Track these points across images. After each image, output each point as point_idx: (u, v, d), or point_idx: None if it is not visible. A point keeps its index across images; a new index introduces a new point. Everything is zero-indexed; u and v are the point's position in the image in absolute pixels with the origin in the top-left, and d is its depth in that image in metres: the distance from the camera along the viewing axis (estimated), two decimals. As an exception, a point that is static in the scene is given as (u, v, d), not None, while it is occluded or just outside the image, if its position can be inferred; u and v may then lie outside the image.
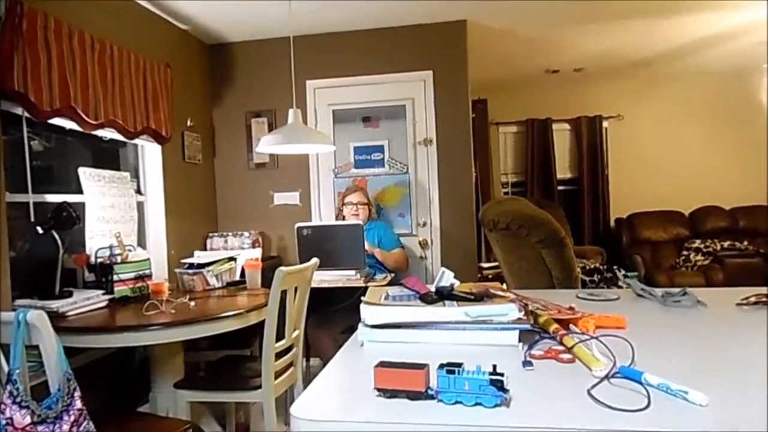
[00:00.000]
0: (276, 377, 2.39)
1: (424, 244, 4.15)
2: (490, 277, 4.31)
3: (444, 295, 1.10)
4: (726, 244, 5.54)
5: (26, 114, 2.42)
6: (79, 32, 2.63)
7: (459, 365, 0.76)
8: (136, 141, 3.35)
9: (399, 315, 1.04)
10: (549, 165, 6.29)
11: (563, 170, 6.40)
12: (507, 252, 3.24)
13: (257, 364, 2.65)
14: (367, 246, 3.41)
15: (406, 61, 4.08)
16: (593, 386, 0.80)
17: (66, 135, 2.96)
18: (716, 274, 5.14)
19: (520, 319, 1.03)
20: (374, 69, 4.10)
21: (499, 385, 0.74)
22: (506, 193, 6.48)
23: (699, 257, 5.51)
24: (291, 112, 3.06)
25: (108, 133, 3.07)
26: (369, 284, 3.15)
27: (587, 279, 3.76)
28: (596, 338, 0.95)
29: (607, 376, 0.83)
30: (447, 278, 1.15)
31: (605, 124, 6.30)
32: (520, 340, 1.02)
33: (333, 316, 3.37)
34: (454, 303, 1.08)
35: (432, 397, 0.76)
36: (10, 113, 2.43)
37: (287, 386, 2.57)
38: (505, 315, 1.02)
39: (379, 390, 0.78)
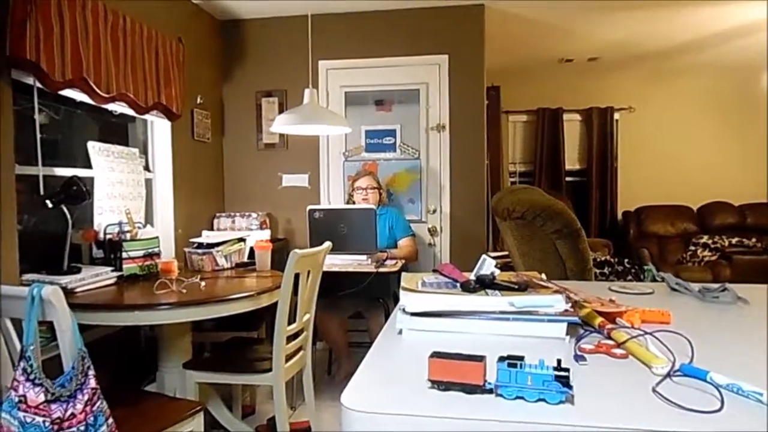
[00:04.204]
0: (286, 361, 2.35)
1: (433, 231, 4.10)
2: (498, 266, 4.27)
3: (486, 283, 1.06)
4: (734, 240, 5.51)
5: (38, 84, 2.35)
6: (93, 2, 2.55)
7: (521, 359, 0.72)
8: (146, 116, 3.28)
9: (442, 303, 0.99)
10: (558, 155, 6.23)
11: (572, 161, 6.35)
12: (520, 241, 3.19)
13: (265, 346, 2.62)
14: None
15: (421, 44, 4.00)
16: (657, 384, 0.76)
17: (74, 107, 2.90)
18: (723, 270, 5.11)
19: (567, 311, 0.98)
20: (389, 51, 4.02)
21: (564, 381, 0.70)
22: (513, 183, 6.42)
23: (706, 253, 5.48)
24: (307, 91, 3.00)
25: (119, 107, 3.00)
26: (379, 270, 3.12)
27: (598, 271, 3.71)
28: (651, 334, 0.91)
29: (668, 374, 0.79)
30: (488, 266, 1.11)
31: (616, 116, 6.24)
32: (566, 333, 0.97)
33: (341, 301, 3.34)
34: (497, 292, 1.03)
35: (490, 391, 0.72)
36: (20, 83, 2.36)
37: (297, 370, 2.54)
38: (551, 306, 0.98)
39: (432, 382, 0.74)
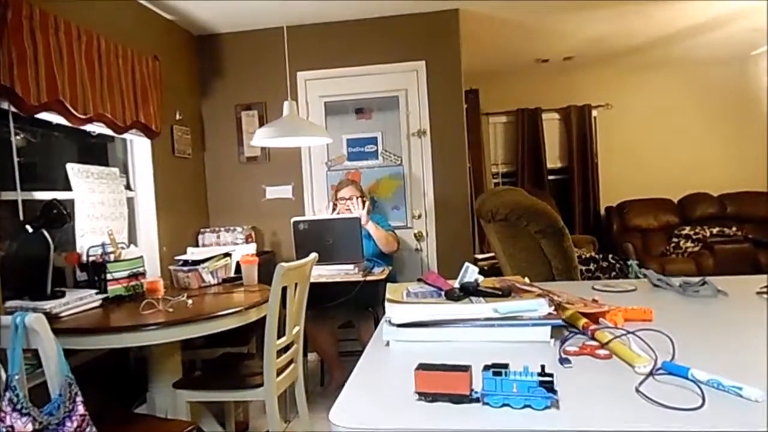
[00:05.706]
0: (277, 375, 2.34)
1: (419, 236, 4.11)
2: (485, 268, 4.29)
3: (470, 291, 1.07)
4: (715, 230, 5.59)
5: (13, 109, 2.33)
6: (66, 24, 2.53)
7: (505, 366, 0.73)
8: (125, 136, 3.26)
9: (427, 313, 1.00)
10: (539, 154, 6.29)
11: (553, 159, 6.41)
12: (505, 243, 3.21)
13: (256, 361, 2.61)
14: (363, 219, 3.37)
15: (398, 51, 4.02)
16: (640, 383, 0.77)
17: (51, 130, 2.87)
18: (706, 260, 5.18)
19: (550, 314, 1.00)
20: (367, 60, 4.04)
21: (549, 387, 0.71)
22: (497, 184, 6.47)
23: (689, 244, 5.56)
24: (286, 104, 3.00)
25: (97, 128, 2.97)
26: (367, 278, 3.12)
27: (583, 268, 3.74)
28: (633, 333, 0.92)
29: (651, 373, 0.81)
30: (471, 274, 1.12)
31: (594, 113, 6.31)
32: (551, 336, 0.99)
33: (330, 311, 3.33)
34: (481, 299, 1.04)
35: (477, 400, 0.73)
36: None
37: (289, 383, 2.52)
38: (535, 310, 0.99)
39: (420, 394, 0.75)
